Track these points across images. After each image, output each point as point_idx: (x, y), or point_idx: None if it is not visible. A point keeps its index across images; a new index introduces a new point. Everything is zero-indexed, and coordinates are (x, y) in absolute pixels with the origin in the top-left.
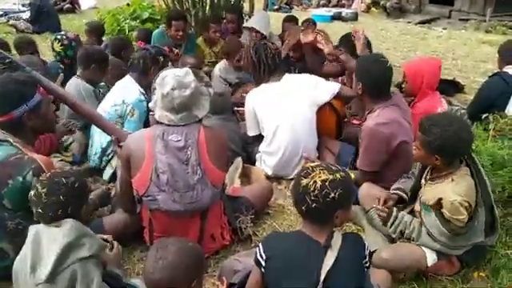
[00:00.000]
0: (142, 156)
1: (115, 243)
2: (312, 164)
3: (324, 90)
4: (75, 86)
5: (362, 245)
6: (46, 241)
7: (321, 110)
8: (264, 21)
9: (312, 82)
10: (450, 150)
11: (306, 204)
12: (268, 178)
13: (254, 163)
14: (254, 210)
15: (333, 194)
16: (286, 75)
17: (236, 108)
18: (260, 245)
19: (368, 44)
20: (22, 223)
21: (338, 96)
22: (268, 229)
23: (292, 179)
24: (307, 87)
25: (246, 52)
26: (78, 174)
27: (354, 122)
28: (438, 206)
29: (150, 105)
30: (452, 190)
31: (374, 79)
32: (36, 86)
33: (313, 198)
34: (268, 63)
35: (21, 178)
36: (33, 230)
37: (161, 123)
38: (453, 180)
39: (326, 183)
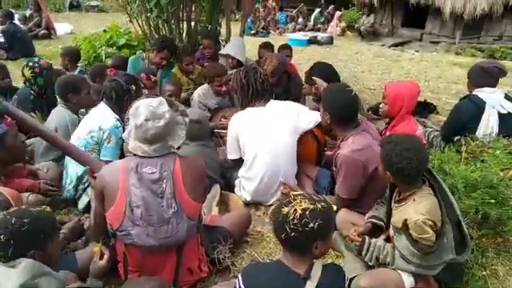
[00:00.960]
0: (116, 189)
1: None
2: (294, 193)
3: (306, 118)
4: (60, 116)
5: (342, 275)
6: (3, 282)
7: (302, 138)
8: (239, 46)
9: (295, 110)
10: (396, 167)
11: (285, 232)
12: (246, 204)
13: (232, 189)
14: (233, 239)
15: (312, 224)
16: (271, 101)
17: (217, 130)
18: (239, 276)
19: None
20: None
21: (319, 124)
22: (247, 258)
23: (271, 205)
24: (290, 115)
25: (236, 75)
26: (40, 214)
27: (328, 152)
28: (405, 227)
29: (124, 135)
30: (414, 210)
31: (339, 109)
32: (2, 117)
33: (292, 226)
34: (257, 87)
35: None
36: None
37: (135, 154)
38: (414, 200)
39: (306, 212)
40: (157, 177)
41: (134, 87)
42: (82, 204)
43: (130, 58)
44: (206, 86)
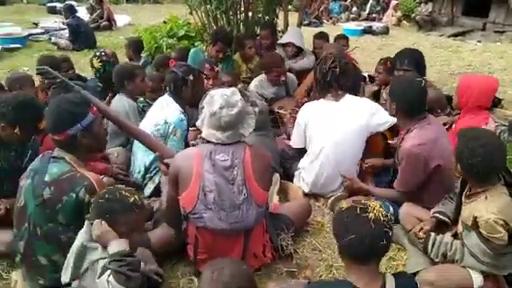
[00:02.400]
0: (190, 174)
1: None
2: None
3: (381, 119)
4: (120, 103)
5: (414, 284)
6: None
7: (371, 137)
8: (298, 35)
9: (371, 109)
10: (466, 162)
11: (371, 237)
12: (305, 194)
13: (290, 179)
14: (294, 227)
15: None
16: (348, 96)
17: (277, 110)
18: None
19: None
20: (73, 237)
21: (391, 127)
22: (308, 246)
23: (329, 197)
24: (364, 113)
25: (318, 62)
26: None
27: (390, 142)
28: (474, 225)
29: (197, 123)
30: (485, 208)
31: (406, 99)
32: (89, 106)
33: (382, 228)
34: (320, 78)
35: (74, 195)
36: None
37: (208, 142)
38: (487, 198)
39: (387, 217)
40: (229, 164)
41: (191, 77)
42: (148, 190)
43: (190, 51)
44: (262, 76)
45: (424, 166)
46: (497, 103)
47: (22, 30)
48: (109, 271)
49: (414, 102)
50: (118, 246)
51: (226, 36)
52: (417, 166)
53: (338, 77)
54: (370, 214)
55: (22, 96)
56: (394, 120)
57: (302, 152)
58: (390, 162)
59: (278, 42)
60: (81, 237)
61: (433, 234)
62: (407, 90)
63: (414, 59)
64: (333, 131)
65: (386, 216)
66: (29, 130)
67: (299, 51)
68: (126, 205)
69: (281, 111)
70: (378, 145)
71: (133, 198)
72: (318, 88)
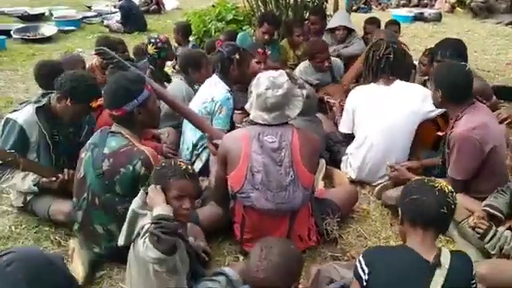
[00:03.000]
0: (239, 155)
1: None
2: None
3: (432, 105)
4: (178, 87)
5: (470, 264)
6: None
7: (422, 124)
8: (347, 17)
9: (421, 95)
10: None
11: (445, 206)
12: (351, 181)
13: (338, 164)
14: (340, 213)
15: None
16: (398, 81)
17: (327, 99)
18: (361, 258)
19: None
20: (129, 208)
21: (444, 113)
22: (353, 233)
23: (376, 186)
24: (416, 98)
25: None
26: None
27: (439, 133)
28: None
29: (246, 106)
30: None
31: (453, 84)
32: (144, 83)
33: (448, 200)
34: (372, 64)
35: (131, 167)
36: None
37: (255, 123)
38: None
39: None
40: (276, 146)
41: (237, 56)
42: (196, 168)
43: (238, 35)
44: (306, 62)
45: (479, 150)
46: None
47: (76, 12)
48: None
49: (462, 87)
50: (160, 209)
51: (274, 18)
52: (471, 150)
53: (392, 63)
54: (436, 184)
55: (80, 72)
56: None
57: (350, 137)
58: (431, 162)
59: (327, 27)
60: (134, 203)
61: (494, 225)
62: (454, 75)
63: (456, 50)
64: (382, 116)
65: (451, 192)
66: (79, 105)
67: (348, 34)
68: (178, 170)
69: (331, 100)
70: (430, 134)
71: (185, 166)
72: (370, 74)
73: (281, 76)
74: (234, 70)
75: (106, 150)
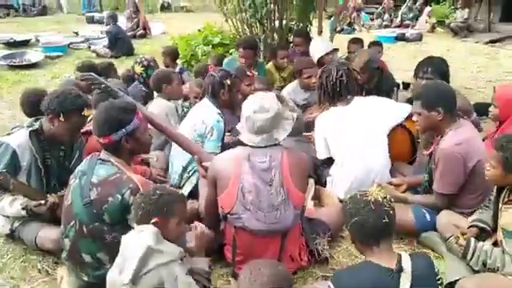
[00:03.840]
0: (229, 176)
1: (199, 225)
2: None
3: (394, 112)
4: (158, 105)
5: (431, 262)
6: (132, 245)
7: (393, 132)
8: (322, 44)
9: (382, 105)
10: None
11: (385, 217)
12: (340, 201)
13: (323, 185)
14: (330, 232)
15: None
16: (356, 99)
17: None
18: (331, 284)
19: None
20: (118, 237)
21: (410, 116)
22: (344, 252)
23: None
24: (378, 110)
25: (324, 75)
26: (173, 192)
27: (425, 152)
28: None
29: (238, 126)
30: None
31: (451, 102)
32: (134, 112)
33: (386, 208)
34: (328, 89)
35: (120, 196)
36: (123, 237)
37: (245, 145)
38: None
39: (386, 197)
40: (266, 166)
41: (228, 81)
42: (185, 191)
43: (224, 60)
44: (295, 82)
45: (463, 165)
46: None
47: (62, 38)
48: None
49: (455, 103)
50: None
51: (247, 42)
52: (456, 166)
53: (346, 85)
54: (369, 197)
55: (63, 87)
56: (407, 110)
57: (329, 160)
58: (415, 180)
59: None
60: (148, 239)
61: (473, 240)
62: (448, 92)
63: (439, 68)
64: (353, 135)
65: (385, 197)
66: (73, 118)
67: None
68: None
69: (307, 134)
70: (402, 139)
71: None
72: (327, 99)
73: (270, 99)
74: (224, 95)
75: (94, 179)
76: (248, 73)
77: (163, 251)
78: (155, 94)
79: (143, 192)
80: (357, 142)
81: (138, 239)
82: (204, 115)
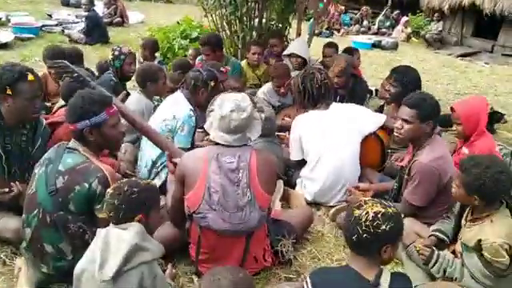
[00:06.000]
0: (197, 175)
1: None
2: (365, 198)
3: (370, 120)
4: (137, 101)
5: (410, 285)
6: (115, 241)
7: (365, 140)
8: (303, 46)
9: (358, 112)
10: (489, 191)
11: (356, 234)
12: (307, 203)
13: (293, 187)
14: (295, 234)
15: (384, 227)
16: (334, 104)
17: (277, 133)
18: (308, 279)
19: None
20: (83, 227)
21: (383, 126)
22: (308, 254)
23: (331, 206)
24: (354, 117)
25: (294, 80)
26: (147, 185)
27: (397, 163)
28: (478, 247)
29: (205, 126)
30: (491, 232)
31: (439, 116)
32: (106, 106)
33: (364, 228)
34: (313, 93)
35: (87, 185)
36: (103, 231)
37: (215, 144)
38: (492, 221)
39: (379, 215)
40: (234, 166)
41: (212, 83)
42: None
43: (198, 57)
44: (270, 84)
45: (439, 180)
46: (499, 118)
47: (35, 20)
48: None
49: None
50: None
51: (207, 39)
52: (432, 180)
53: (329, 89)
54: (356, 211)
55: None
56: (381, 120)
57: (301, 162)
58: (384, 186)
59: (284, 53)
60: (134, 237)
61: (436, 249)
62: (436, 105)
63: (412, 78)
64: (328, 138)
65: (377, 214)
66: (21, 87)
67: (305, 62)
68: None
69: (281, 134)
70: (374, 147)
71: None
72: (310, 101)
73: (245, 99)
74: (202, 94)
75: (60, 167)
76: (222, 68)
77: (148, 249)
78: (133, 86)
79: (116, 191)
80: (330, 146)
81: (124, 235)
82: (176, 110)
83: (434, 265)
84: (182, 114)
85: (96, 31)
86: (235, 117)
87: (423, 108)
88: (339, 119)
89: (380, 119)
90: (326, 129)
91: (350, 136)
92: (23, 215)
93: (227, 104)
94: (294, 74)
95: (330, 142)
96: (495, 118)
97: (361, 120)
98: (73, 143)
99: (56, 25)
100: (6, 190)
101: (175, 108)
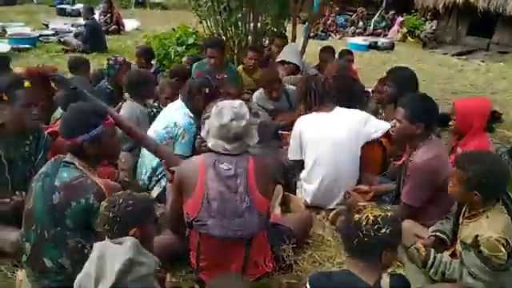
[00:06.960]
0: (195, 182)
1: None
2: (363, 203)
3: (374, 126)
4: (131, 109)
5: (409, 286)
6: (110, 256)
7: (368, 146)
8: (293, 52)
9: (362, 118)
10: (490, 186)
11: (356, 238)
12: (307, 206)
13: (292, 191)
14: (296, 238)
15: (384, 230)
16: (338, 108)
17: (281, 132)
18: (308, 284)
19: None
20: (82, 242)
21: (388, 134)
22: (308, 259)
23: (331, 209)
24: (356, 122)
25: (298, 86)
26: (143, 198)
27: (396, 163)
28: (475, 243)
29: (202, 134)
30: (488, 227)
31: (433, 116)
32: (103, 118)
33: (364, 232)
34: (319, 92)
35: (83, 200)
36: (98, 246)
37: (213, 151)
38: (488, 217)
39: (379, 219)
40: (232, 173)
41: (207, 90)
42: (154, 194)
43: (194, 64)
44: (261, 90)
45: (435, 180)
46: (496, 117)
47: (31, 30)
48: None
49: (437, 117)
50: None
51: (213, 40)
52: (427, 180)
53: (323, 88)
54: (356, 216)
55: None
56: (385, 128)
57: (299, 163)
58: (384, 188)
59: (277, 59)
60: (129, 252)
61: (432, 251)
62: (430, 105)
63: (409, 79)
64: (328, 140)
65: (376, 218)
66: (16, 93)
67: (297, 68)
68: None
69: (284, 132)
70: (376, 154)
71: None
72: (315, 103)
73: (242, 107)
74: (199, 101)
75: (56, 182)
76: (217, 76)
77: (143, 263)
78: (126, 95)
79: (111, 203)
80: (329, 148)
81: (118, 250)
82: (176, 117)
83: (431, 266)
84: (183, 121)
85: (95, 39)
86: (235, 125)
87: (411, 108)
88: (341, 123)
89: (384, 126)
90: (326, 131)
91: (350, 140)
92: (22, 229)
93: (226, 112)
94: (285, 79)
95: (328, 145)
96: (494, 117)
97: (363, 126)
98: (69, 157)
99: (53, 34)
100: (7, 200)
101: (176, 115)
